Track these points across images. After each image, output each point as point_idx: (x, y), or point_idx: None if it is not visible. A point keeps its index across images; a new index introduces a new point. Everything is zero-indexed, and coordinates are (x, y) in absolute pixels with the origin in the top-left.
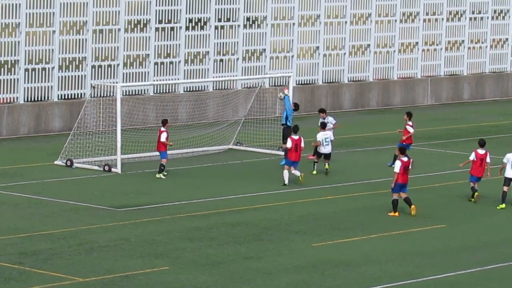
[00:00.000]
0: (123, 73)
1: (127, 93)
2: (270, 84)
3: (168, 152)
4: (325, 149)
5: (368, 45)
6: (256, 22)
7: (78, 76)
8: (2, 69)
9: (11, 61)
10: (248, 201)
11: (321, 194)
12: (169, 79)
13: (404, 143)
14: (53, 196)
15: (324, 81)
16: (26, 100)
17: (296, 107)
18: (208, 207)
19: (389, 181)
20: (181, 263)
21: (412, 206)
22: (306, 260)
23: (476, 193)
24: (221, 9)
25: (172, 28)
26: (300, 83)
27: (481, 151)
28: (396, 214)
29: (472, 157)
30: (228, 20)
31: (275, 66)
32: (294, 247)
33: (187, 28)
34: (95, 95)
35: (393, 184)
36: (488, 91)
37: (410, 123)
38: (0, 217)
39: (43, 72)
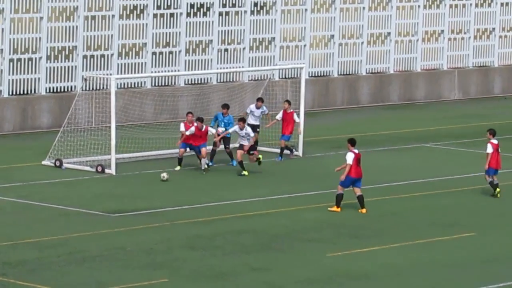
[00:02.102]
0: (118, 64)
1: (122, 86)
2: (280, 77)
3: (168, 151)
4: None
5: (389, 33)
6: (264, 7)
7: (68, 67)
8: None
9: None
10: (256, 205)
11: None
12: (168, 71)
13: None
14: (41, 200)
15: (339, 73)
16: (10, 93)
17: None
18: (211, 213)
19: (412, 184)
20: (182, 275)
21: (363, 210)
22: (321, 272)
23: (497, 189)
24: None
25: (171, 14)
26: (313, 75)
27: (495, 141)
28: (338, 209)
29: (489, 149)
30: (234, 5)
31: (286, 57)
32: (307, 258)
33: (188, 15)
34: (87, 88)
35: (343, 177)
36: None
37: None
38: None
39: (30, 62)
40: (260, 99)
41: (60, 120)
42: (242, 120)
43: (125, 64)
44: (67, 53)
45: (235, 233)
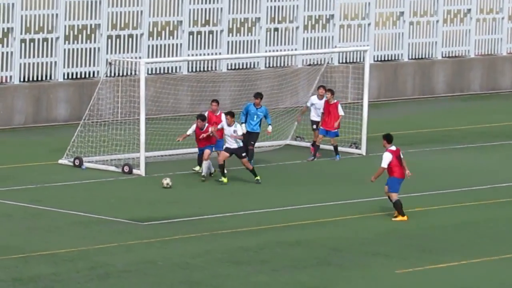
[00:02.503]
0: (149, 46)
1: (154, 72)
2: (340, 61)
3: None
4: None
5: (469, 10)
6: None
7: (90, 49)
8: None
9: (3, 29)
10: (311, 213)
11: (407, 204)
12: (208, 54)
13: None
14: (57, 205)
15: (410, 57)
16: (22, 79)
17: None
18: (258, 221)
19: (496, 189)
20: None
21: (400, 217)
22: None
23: None
24: None
25: None
26: (379, 59)
27: None
28: (405, 218)
29: None
30: None
31: (347, 37)
32: (371, 274)
33: None
34: (112, 74)
35: (372, 179)
36: None
37: None
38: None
39: (45, 43)
40: (322, 87)
41: (79, 112)
42: (231, 114)
43: (156, 45)
44: (88, 32)
45: (286, 245)
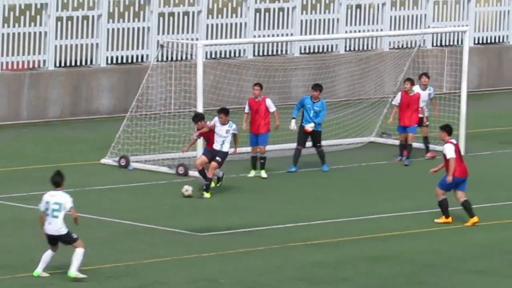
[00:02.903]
0: (208, 25)
1: (213, 56)
2: (434, 44)
3: (277, 147)
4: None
5: None
6: None
7: (138, 29)
8: (23, 17)
9: (36, 5)
10: (399, 223)
11: None
12: (277, 35)
13: None
14: (99, 212)
15: None
16: (58, 65)
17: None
18: (337, 232)
19: None
20: None
21: (474, 219)
22: None
23: None
24: None
25: None
26: (480, 41)
27: None
28: (449, 219)
29: None
30: None
31: (442, 16)
32: None
33: None
34: (164, 58)
35: (450, 177)
36: None
37: None
38: (19, 243)
39: (85, 22)
40: (425, 75)
41: (125, 103)
42: (225, 111)
43: (217, 25)
44: (136, 9)
45: (370, 260)
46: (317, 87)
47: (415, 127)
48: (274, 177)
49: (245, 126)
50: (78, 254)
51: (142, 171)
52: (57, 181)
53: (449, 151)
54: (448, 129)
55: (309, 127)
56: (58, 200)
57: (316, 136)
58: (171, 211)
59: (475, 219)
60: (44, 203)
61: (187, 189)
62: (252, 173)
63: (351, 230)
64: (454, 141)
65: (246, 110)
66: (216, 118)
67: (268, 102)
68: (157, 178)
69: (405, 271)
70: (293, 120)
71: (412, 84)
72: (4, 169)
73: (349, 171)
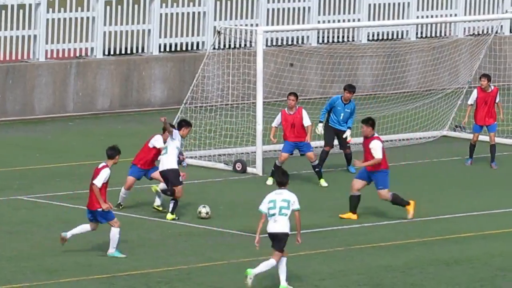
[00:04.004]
0: (268, 9)
1: (274, 43)
2: None
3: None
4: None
5: None
6: None
7: (193, 13)
8: (69, 1)
9: None
10: (473, 223)
11: None
12: (342, 20)
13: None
14: (151, 212)
15: None
16: (107, 53)
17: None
18: (407, 233)
19: None
20: None
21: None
22: None
23: None
24: None
25: None
26: None
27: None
28: (355, 216)
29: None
30: None
31: None
32: None
33: None
34: (221, 46)
35: (359, 163)
36: None
37: None
38: (64, 245)
39: (136, 7)
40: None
41: (179, 94)
42: (187, 123)
43: (278, 9)
44: None
45: (442, 263)
46: (350, 88)
47: (495, 125)
48: (334, 175)
49: (274, 140)
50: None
51: (197, 167)
52: (282, 181)
53: (378, 150)
54: (372, 123)
55: (349, 136)
56: (286, 198)
57: (345, 139)
58: (227, 211)
59: (411, 205)
60: (267, 202)
61: (208, 212)
62: (270, 181)
63: (421, 231)
64: (379, 136)
65: (276, 123)
66: (175, 131)
67: (304, 114)
68: (212, 175)
69: (478, 275)
70: (320, 124)
71: (489, 80)
72: (49, 166)
73: (420, 167)
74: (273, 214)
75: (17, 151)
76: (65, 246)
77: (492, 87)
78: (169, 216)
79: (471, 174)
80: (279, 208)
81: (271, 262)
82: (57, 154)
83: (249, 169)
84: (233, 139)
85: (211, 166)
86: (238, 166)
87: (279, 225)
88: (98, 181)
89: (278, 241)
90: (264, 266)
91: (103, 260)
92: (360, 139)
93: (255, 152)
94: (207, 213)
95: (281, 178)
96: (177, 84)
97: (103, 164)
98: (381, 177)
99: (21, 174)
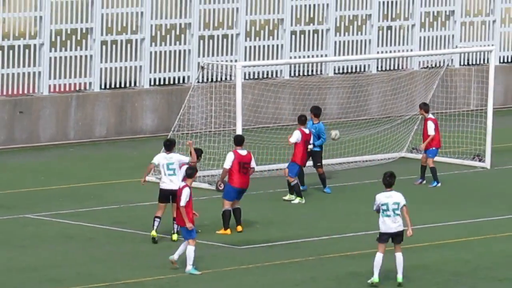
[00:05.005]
0: (246, 47)
1: (251, 77)
2: (462, 63)
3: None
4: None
5: None
6: None
7: (180, 51)
8: (69, 42)
9: (82, 30)
10: (429, 234)
11: None
12: (312, 56)
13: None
14: (143, 227)
15: None
16: (103, 87)
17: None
18: (370, 244)
19: None
20: None
21: (239, 227)
22: None
23: None
24: None
25: None
26: (506, 60)
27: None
28: (228, 231)
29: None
30: None
31: (469, 36)
32: None
33: None
34: (205, 80)
35: (221, 185)
36: None
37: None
38: (66, 257)
39: (129, 45)
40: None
41: (168, 122)
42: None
43: (254, 47)
44: (177, 32)
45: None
46: (311, 110)
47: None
48: (309, 192)
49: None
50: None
51: None
52: (390, 183)
53: (227, 160)
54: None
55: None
56: (396, 200)
57: (316, 156)
58: (212, 226)
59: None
60: (379, 204)
61: (336, 133)
62: (297, 200)
63: None
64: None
65: (299, 140)
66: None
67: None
68: (198, 194)
69: (434, 280)
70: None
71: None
72: (53, 187)
73: (380, 185)
74: (389, 216)
75: (24, 174)
76: (67, 259)
77: (428, 116)
78: (175, 237)
79: (426, 191)
80: (392, 210)
81: (399, 255)
82: (60, 177)
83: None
84: (216, 161)
85: (197, 186)
86: (220, 186)
87: (398, 224)
88: (182, 201)
89: (400, 236)
90: (399, 264)
91: (102, 270)
92: (331, 161)
93: None
94: (335, 134)
95: (389, 179)
96: (166, 114)
97: (183, 184)
98: None
99: (28, 194)
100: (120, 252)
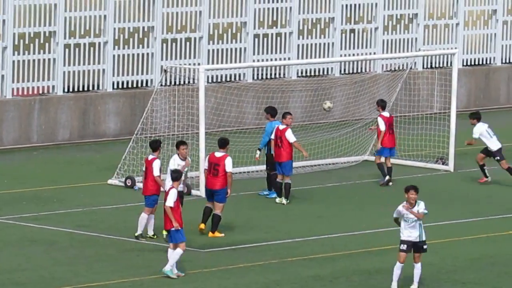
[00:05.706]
0: (209, 51)
1: (214, 80)
2: (425, 66)
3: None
4: None
5: None
6: None
7: (143, 55)
8: (32, 45)
9: (45, 33)
10: (392, 237)
11: (501, 227)
12: (275, 59)
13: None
14: (107, 230)
15: (504, 61)
16: (66, 90)
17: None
18: (333, 247)
19: None
20: None
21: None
22: None
23: None
24: None
25: None
26: (468, 63)
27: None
28: (202, 226)
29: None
30: None
31: (432, 39)
32: None
33: None
34: (168, 83)
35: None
36: None
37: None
38: (30, 261)
39: (91, 49)
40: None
41: (131, 125)
42: (182, 143)
43: (217, 50)
44: (140, 36)
45: (365, 273)
46: (270, 110)
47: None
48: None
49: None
50: None
51: None
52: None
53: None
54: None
55: (257, 155)
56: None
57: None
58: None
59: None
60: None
61: (330, 106)
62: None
63: (346, 245)
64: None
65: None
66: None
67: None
68: (162, 197)
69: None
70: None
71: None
72: (16, 190)
73: (344, 188)
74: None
75: None
76: (30, 262)
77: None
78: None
79: (389, 193)
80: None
81: (417, 267)
82: (23, 180)
83: (193, 192)
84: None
85: (161, 189)
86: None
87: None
88: (169, 201)
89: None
90: (417, 276)
91: (65, 273)
92: (295, 164)
93: (198, 176)
94: (329, 107)
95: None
96: (129, 117)
97: (170, 185)
98: None
99: None
100: (84, 255)
